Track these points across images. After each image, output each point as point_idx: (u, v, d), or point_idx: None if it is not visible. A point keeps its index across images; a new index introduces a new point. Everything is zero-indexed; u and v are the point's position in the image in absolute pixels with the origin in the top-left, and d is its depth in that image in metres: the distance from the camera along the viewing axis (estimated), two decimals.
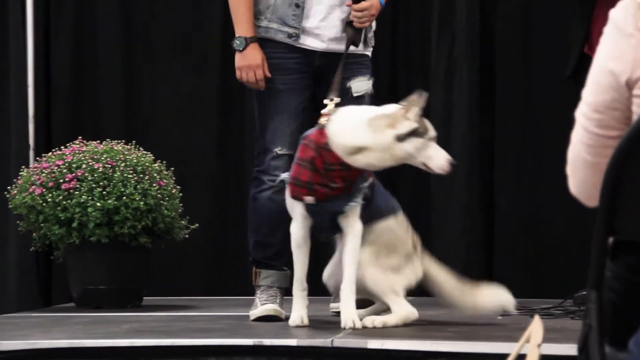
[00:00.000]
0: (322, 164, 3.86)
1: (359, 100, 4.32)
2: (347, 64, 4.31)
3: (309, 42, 4.31)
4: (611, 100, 1.93)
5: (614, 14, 1.94)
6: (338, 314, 4.05)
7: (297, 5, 4.27)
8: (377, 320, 3.94)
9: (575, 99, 2.06)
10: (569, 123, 2.09)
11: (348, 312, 3.90)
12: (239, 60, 4.30)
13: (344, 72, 4.30)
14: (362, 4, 4.28)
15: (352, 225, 3.95)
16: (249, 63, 4.26)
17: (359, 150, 3.81)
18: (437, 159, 3.82)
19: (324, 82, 4.30)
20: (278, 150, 4.30)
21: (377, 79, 4.59)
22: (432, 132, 3.86)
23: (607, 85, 1.93)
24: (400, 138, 3.79)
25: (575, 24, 4.66)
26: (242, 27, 4.29)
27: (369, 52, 4.43)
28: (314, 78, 4.34)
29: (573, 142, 2.01)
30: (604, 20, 2.00)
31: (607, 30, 1.95)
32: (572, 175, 2.02)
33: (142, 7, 6.00)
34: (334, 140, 3.84)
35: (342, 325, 3.88)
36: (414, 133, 3.81)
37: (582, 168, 1.99)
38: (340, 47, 4.30)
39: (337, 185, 3.88)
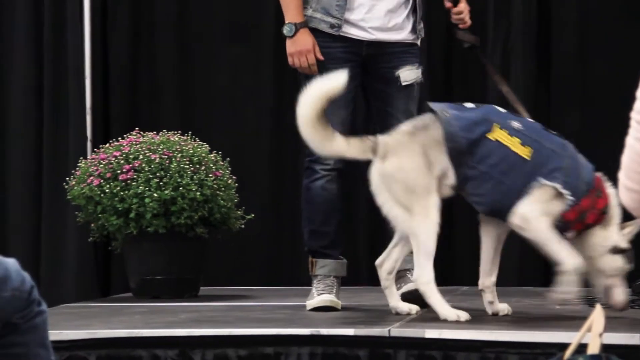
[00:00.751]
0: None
1: (407, 89, 4.31)
2: (394, 53, 4.32)
3: (354, 32, 4.30)
4: None
5: None
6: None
7: None
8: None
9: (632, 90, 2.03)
10: (627, 119, 2.05)
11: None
12: (290, 46, 4.30)
13: (391, 61, 4.29)
14: (460, 7, 4.30)
15: None
16: (300, 48, 4.26)
17: None
18: (620, 293, 3.79)
19: (371, 71, 4.30)
20: None
21: (431, 70, 4.59)
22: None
23: None
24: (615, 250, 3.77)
25: None
26: (291, 13, 4.29)
27: (417, 42, 4.41)
28: (362, 67, 4.34)
29: (631, 145, 1.97)
30: None
31: None
32: (630, 179, 1.98)
33: (197, 1, 6.02)
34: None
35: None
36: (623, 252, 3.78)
37: None
38: (387, 36, 4.30)
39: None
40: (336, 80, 3.83)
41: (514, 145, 3.80)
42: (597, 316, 2.00)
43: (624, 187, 1.99)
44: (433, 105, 3.90)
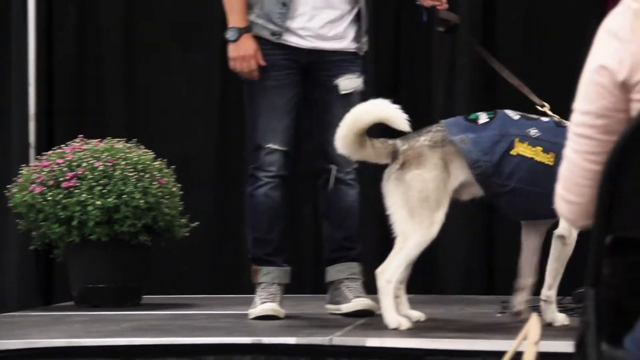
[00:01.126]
0: None
1: (347, 98, 4.32)
2: (334, 61, 4.33)
3: (294, 40, 4.31)
4: (616, 101, 1.92)
5: (607, 23, 1.95)
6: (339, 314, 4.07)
7: (284, 4, 4.27)
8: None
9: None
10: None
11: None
12: (233, 50, 4.29)
13: (331, 69, 4.31)
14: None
15: None
16: (243, 54, 4.26)
17: None
18: None
19: (311, 79, 4.32)
20: (271, 146, 4.29)
21: (379, 78, 4.60)
22: None
23: (607, 86, 1.92)
24: None
25: (591, 23, 4.65)
26: (235, 17, 4.29)
27: (358, 50, 4.41)
28: (302, 75, 4.34)
29: (570, 158, 1.98)
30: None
31: (601, 38, 1.94)
32: (569, 192, 1.99)
33: (144, 6, 6.00)
34: None
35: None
36: None
37: (584, 181, 1.97)
38: (327, 45, 4.31)
39: None
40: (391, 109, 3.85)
41: (537, 154, 3.87)
42: (533, 325, 2.01)
43: (562, 199, 2.01)
44: (451, 134, 3.90)
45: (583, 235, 2.54)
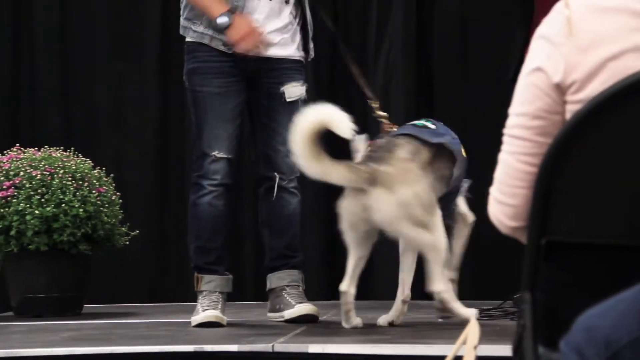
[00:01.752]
0: None
1: (292, 105, 4.32)
2: (280, 69, 4.33)
3: None
4: (551, 102, 1.95)
5: (541, 29, 1.99)
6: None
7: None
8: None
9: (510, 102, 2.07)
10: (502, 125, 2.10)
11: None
12: (233, 34, 4.21)
13: (277, 77, 4.31)
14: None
15: None
16: (244, 32, 4.21)
17: None
18: None
19: (257, 86, 4.32)
20: (216, 153, 4.28)
21: (316, 86, 4.61)
22: None
23: (542, 87, 1.95)
24: None
25: (516, 28, 4.70)
26: (215, 6, 4.22)
27: (303, 59, 4.43)
28: (248, 82, 4.34)
29: (504, 160, 2.01)
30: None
31: (536, 44, 1.98)
32: (502, 194, 2.01)
33: (80, 12, 5.96)
34: None
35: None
36: None
37: (518, 182, 1.99)
38: (272, 52, 4.31)
39: None
40: (338, 116, 3.83)
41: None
42: (472, 328, 2.02)
43: (496, 201, 2.03)
44: (429, 139, 4.00)
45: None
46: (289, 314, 4.31)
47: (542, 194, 1.92)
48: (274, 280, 4.42)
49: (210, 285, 4.34)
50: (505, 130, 2.02)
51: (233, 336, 3.90)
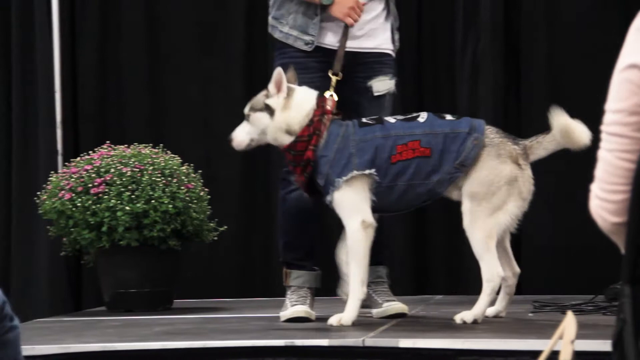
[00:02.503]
0: None
1: (379, 100, 4.31)
2: (367, 63, 4.31)
3: (328, 41, 4.30)
4: None
5: (637, 21, 1.95)
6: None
7: (316, 14, 4.26)
8: (466, 316, 3.97)
9: (603, 94, 2.05)
10: (597, 121, 2.07)
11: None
12: (339, 9, 4.21)
13: (364, 71, 4.29)
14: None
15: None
16: (349, 4, 4.20)
17: None
18: None
19: (346, 81, 4.29)
20: None
21: (402, 77, 4.58)
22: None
23: (636, 83, 1.92)
24: None
25: None
26: None
27: (392, 52, 4.41)
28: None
29: (603, 157, 1.98)
30: None
31: (632, 37, 1.95)
32: (603, 191, 1.99)
33: (166, 11, 6.02)
34: None
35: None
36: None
37: (618, 179, 1.97)
38: (360, 44, 4.29)
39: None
40: None
41: None
42: (569, 323, 2.01)
43: (597, 198, 2.01)
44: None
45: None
46: (377, 313, 4.30)
47: None
48: None
49: (299, 280, 4.36)
50: (603, 127, 2.00)
51: (323, 331, 3.91)
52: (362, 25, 4.30)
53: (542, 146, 4.00)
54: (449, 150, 3.97)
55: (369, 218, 3.98)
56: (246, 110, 4.10)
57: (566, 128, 3.90)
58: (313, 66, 4.29)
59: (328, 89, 4.23)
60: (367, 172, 3.96)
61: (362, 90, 4.32)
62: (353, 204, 3.97)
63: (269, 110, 4.06)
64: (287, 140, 4.03)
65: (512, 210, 3.95)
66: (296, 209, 4.32)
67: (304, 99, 4.07)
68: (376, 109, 4.28)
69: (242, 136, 4.12)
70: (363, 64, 4.31)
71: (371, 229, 3.98)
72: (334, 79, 4.18)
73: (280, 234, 4.43)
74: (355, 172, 3.95)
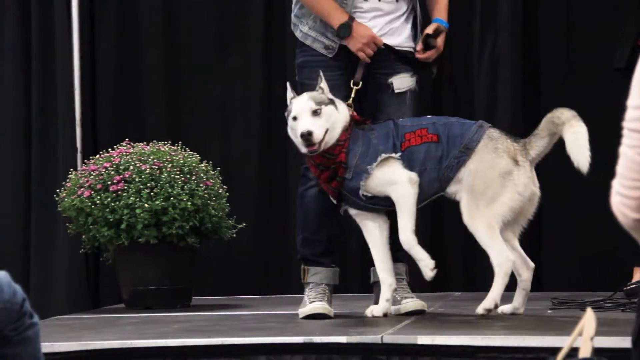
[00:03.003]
0: None
1: (400, 97, 4.31)
2: (389, 60, 4.31)
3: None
4: None
5: None
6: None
7: None
8: (485, 303, 4.04)
9: (623, 91, 2.04)
10: (615, 117, 2.07)
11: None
12: (354, 43, 4.22)
13: (386, 67, 4.29)
14: (428, 53, 4.32)
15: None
16: (363, 42, 4.21)
17: None
18: None
19: (367, 78, 4.28)
20: None
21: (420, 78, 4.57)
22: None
23: None
24: None
25: (629, 15, 4.61)
26: (336, 14, 4.22)
27: (412, 49, 4.39)
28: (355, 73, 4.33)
29: (625, 153, 1.98)
30: None
31: None
32: (624, 187, 1.98)
33: (185, 9, 6.04)
34: None
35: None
36: None
37: (639, 175, 1.96)
38: (382, 41, 4.29)
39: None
40: None
41: None
42: (588, 320, 2.00)
43: (619, 195, 2.00)
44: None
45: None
46: (395, 310, 4.30)
47: None
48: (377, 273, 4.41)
49: (317, 277, 4.36)
50: (625, 124, 1.99)
51: (342, 327, 3.92)
52: (383, 25, 4.30)
53: (539, 137, 4.07)
54: (454, 135, 4.09)
55: (414, 176, 4.08)
56: (313, 106, 4.06)
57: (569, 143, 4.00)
58: (333, 65, 4.29)
59: (347, 87, 4.23)
60: (393, 155, 4.07)
61: (383, 87, 4.32)
62: (393, 173, 4.09)
63: (334, 104, 4.09)
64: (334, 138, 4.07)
65: (506, 201, 4.03)
66: (314, 205, 4.33)
67: (343, 105, 4.15)
68: (397, 106, 4.29)
69: (319, 130, 4.06)
70: (384, 61, 4.30)
71: (417, 186, 4.08)
72: (354, 89, 4.20)
73: (299, 231, 4.43)
74: (383, 155, 4.07)
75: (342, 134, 4.08)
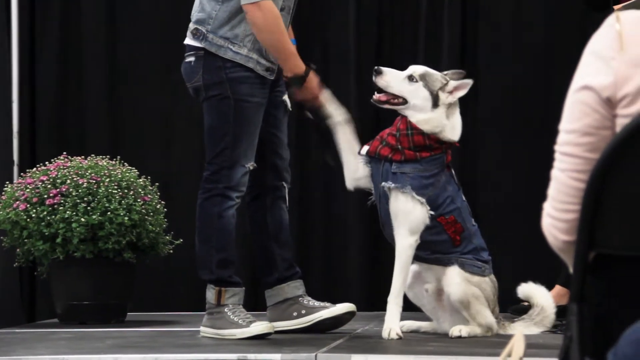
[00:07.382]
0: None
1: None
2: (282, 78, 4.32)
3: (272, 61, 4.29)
4: (600, 118, 1.95)
5: (591, 44, 2.00)
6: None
7: None
8: (463, 330, 4.05)
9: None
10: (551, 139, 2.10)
11: (389, 322, 4.01)
12: (304, 94, 4.23)
13: (281, 86, 4.34)
14: (299, 94, 4.27)
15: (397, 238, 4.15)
16: (312, 95, 4.23)
17: None
18: None
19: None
20: (250, 165, 4.24)
21: (362, 93, 4.60)
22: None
23: (591, 104, 1.96)
24: None
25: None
26: (297, 62, 4.18)
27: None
28: None
29: (556, 177, 2.01)
30: None
31: (586, 59, 1.99)
32: (555, 210, 2.02)
33: (128, 22, 6.01)
34: None
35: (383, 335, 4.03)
36: None
37: (570, 198, 2.00)
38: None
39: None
40: None
41: None
42: (518, 341, 2.03)
43: (550, 217, 2.04)
44: None
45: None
46: (329, 312, 4.29)
47: (591, 207, 1.92)
48: (288, 290, 4.38)
49: (235, 298, 4.25)
50: (556, 147, 2.03)
51: (276, 345, 3.91)
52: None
53: None
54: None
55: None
56: (415, 71, 4.10)
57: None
58: (267, 82, 4.29)
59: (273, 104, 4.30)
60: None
61: (279, 105, 4.38)
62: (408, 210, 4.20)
63: (435, 98, 4.10)
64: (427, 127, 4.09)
65: None
66: (232, 225, 4.24)
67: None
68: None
69: (396, 83, 4.12)
70: (280, 79, 4.33)
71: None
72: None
73: (212, 251, 4.28)
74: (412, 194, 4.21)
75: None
